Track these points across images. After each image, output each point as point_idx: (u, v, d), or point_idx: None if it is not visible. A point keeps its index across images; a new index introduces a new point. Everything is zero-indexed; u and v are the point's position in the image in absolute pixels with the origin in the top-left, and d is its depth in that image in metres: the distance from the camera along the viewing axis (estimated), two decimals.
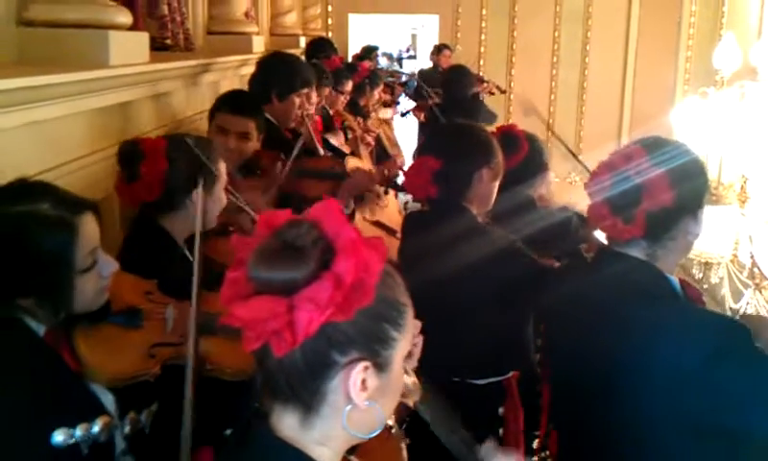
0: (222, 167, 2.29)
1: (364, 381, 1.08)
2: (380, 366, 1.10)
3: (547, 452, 2.63)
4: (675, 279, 1.86)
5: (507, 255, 2.37)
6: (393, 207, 4.37)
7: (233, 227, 2.58)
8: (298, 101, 3.62)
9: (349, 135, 5.16)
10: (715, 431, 1.65)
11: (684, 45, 10.19)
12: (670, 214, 1.77)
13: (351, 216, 3.43)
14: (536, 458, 2.70)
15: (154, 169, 2.17)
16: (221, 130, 3.00)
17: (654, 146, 1.81)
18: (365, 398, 1.09)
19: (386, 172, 3.65)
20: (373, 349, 1.09)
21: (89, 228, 1.62)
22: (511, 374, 2.54)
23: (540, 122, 4.21)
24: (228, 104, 3.06)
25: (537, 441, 2.67)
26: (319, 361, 1.06)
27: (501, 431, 2.52)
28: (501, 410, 2.53)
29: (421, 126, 8.09)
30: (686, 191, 1.78)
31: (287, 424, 1.12)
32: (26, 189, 1.60)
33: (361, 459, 1.34)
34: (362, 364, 1.07)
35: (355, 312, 1.03)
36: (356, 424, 1.11)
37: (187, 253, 2.22)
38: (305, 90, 3.67)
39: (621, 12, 10.27)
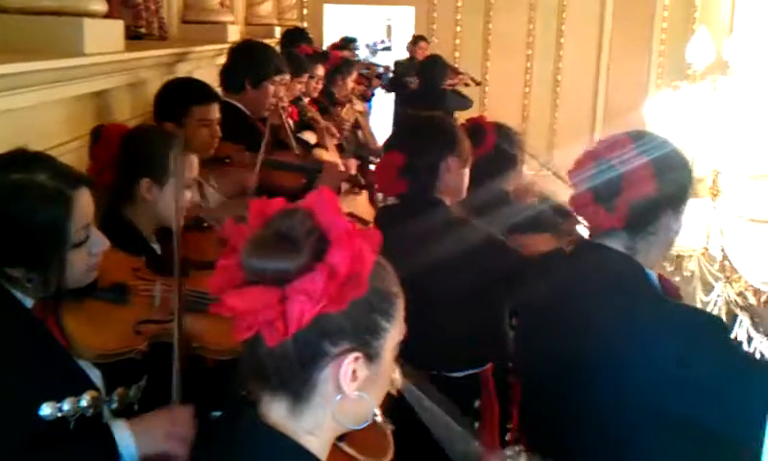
0: (192, 162, 2.24)
1: (354, 372, 1.08)
2: (371, 356, 1.10)
3: (521, 445, 2.64)
4: (653, 274, 1.86)
5: (485, 248, 2.37)
6: (363, 198, 4.37)
7: (207, 222, 2.54)
8: (272, 89, 3.58)
9: (314, 127, 5.12)
10: (687, 427, 1.65)
11: (658, 39, 10.28)
12: (652, 206, 1.76)
13: None
14: (508, 452, 2.70)
15: (104, 153, 2.18)
16: (203, 123, 2.87)
17: (640, 137, 1.81)
18: (355, 388, 1.09)
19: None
20: (364, 339, 1.09)
21: (84, 202, 1.61)
22: (487, 366, 2.55)
23: None
24: (200, 95, 2.93)
25: (509, 433, 2.68)
26: (310, 351, 1.06)
27: (477, 424, 2.52)
28: (477, 403, 2.53)
29: (396, 117, 8.09)
30: (669, 184, 1.78)
31: (276, 412, 1.11)
32: (24, 159, 1.58)
33: (350, 447, 1.34)
34: (353, 355, 1.07)
35: (348, 303, 1.02)
36: (345, 415, 1.12)
37: (155, 246, 2.20)
38: (278, 77, 3.62)
39: (595, 4, 10.32)
